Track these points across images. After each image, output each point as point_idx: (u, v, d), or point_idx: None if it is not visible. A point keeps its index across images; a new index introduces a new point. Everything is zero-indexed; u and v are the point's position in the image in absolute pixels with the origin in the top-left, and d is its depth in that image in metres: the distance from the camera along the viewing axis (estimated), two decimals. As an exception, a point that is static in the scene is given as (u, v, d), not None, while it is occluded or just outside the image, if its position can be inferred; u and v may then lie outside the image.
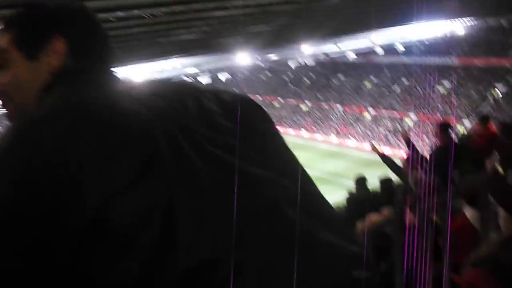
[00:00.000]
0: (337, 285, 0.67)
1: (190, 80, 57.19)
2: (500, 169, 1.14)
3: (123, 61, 25.52)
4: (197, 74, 48.13)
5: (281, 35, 25.62)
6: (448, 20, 33.47)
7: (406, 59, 63.74)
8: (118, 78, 0.96)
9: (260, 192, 0.71)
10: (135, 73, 35.56)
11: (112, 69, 1.03)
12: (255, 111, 0.85)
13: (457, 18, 35.31)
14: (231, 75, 57.17)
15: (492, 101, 52.29)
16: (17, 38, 1.03)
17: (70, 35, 1.01)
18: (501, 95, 52.18)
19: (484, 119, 10.72)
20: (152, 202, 0.68)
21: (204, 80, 48.34)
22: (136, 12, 13.45)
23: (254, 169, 0.73)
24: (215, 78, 53.18)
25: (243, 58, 39.40)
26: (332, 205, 0.83)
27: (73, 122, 0.70)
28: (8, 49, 1.03)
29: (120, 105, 0.75)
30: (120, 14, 13.86)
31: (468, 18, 38.30)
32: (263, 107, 0.88)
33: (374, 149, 11.58)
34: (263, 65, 54.17)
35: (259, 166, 0.74)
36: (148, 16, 14.58)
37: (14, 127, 0.77)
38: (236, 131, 0.75)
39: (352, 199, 10.32)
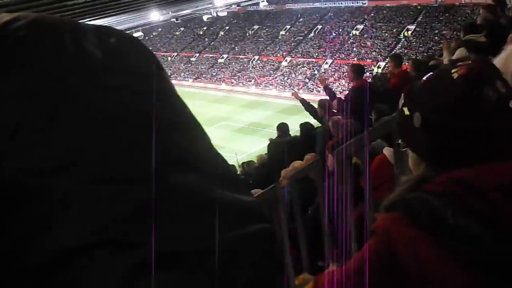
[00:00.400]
0: (234, 240, 0.62)
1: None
2: (406, 110, 1.15)
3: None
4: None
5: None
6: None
7: (318, 5, 64.25)
8: None
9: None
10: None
11: None
12: (143, 58, 0.74)
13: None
14: (144, 34, 55.98)
15: (404, 41, 53.56)
16: None
17: None
18: (412, 35, 53.50)
19: (397, 58, 10.88)
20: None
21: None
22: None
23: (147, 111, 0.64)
24: (128, 38, 51.96)
25: (155, 15, 38.62)
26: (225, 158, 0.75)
27: None
28: None
29: None
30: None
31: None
32: (149, 50, 0.77)
33: (295, 95, 11.67)
34: (176, 21, 53.18)
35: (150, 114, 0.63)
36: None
37: None
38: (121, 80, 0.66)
39: (273, 146, 10.35)
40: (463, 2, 52.48)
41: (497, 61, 2.01)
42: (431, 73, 1.42)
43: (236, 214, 0.64)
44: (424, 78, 1.42)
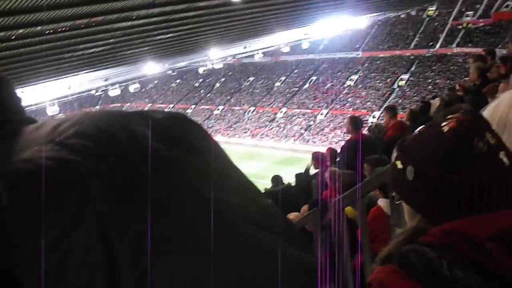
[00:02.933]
0: None
1: (99, 94, 56.05)
2: (399, 164, 1.16)
3: (28, 81, 24.73)
4: (106, 87, 47.15)
5: (188, 42, 25.53)
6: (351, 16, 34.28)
7: (313, 56, 65.03)
8: (30, 120, 0.83)
9: (215, 215, 0.66)
10: (43, 92, 34.50)
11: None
12: (190, 128, 0.78)
13: (359, 15, 36.25)
14: (141, 86, 56.39)
15: (398, 91, 54.09)
16: None
17: None
18: (406, 84, 54.13)
19: (391, 110, 10.97)
20: (89, 254, 0.61)
21: (114, 92, 47.41)
22: (38, 28, 13.03)
23: (203, 191, 0.68)
24: (125, 90, 52.31)
25: (152, 67, 38.94)
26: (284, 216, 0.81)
27: None
28: None
29: (36, 156, 0.66)
30: (20, 31, 13.43)
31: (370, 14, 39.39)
32: (198, 122, 0.81)
33: None
34: (172, 73, 53.65)
35: (206, 187, 0.69)
36: (51, 32, 14.18)
37: None
38: (170, 152, 0.70)
39: (266, 196, 10.34)
40: (455, 51, 53.29)
41: (488, 110, 2.04)
42: (422, 126, 1.45)
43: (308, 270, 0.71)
44: (416, 131, 1.45)
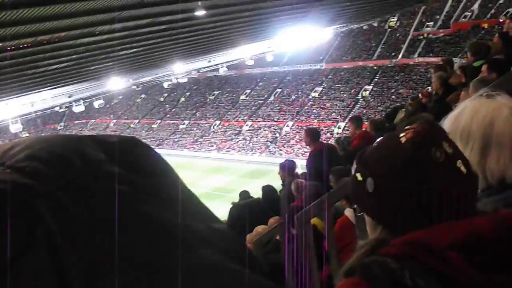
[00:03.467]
0: None
1: (63, 110, 55.48)
2: (359, 176, 1.17)
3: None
4: (70, 103, 46.67)
5: (152, 57, 25.46)
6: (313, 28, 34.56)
7: (277, 69, 65.37)
8: None
9: (169, 236, 0.66)
10: (5, 109, 33.99)
11: None
12: (143, 152, 0.79)
13: (322, 26, 36.57)
14: (106, 102, 55.97)
15: (363, 101, 54.67)
16: None
17: None
18: (370, 94, 54.78)
19: (357, 120, 11.05)
20: (40, 280, 0.60)
21: (79, 109, 46.97)
22: (-1, 45, 12.89)
23: (155, 213, 0.68)
24: (89, 106, 51.86)
25: (116, 83, 38.68)
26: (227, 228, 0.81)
27: None
28: None
29: None
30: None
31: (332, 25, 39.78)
32: (150, 146, 0.82)
33: None
34: (137, 88, 53.37)
35: (158, 209, 0.69)
36: (12, 48, 14.00)
37: None
38: (125, 176, 0.70)
39: (234, 210, 10.31)
40: (416, 61, 54.12)
41: (449, 119, 2.07)
42: (381, 138, 1.47)
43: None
44: (374, 143, 1.47)
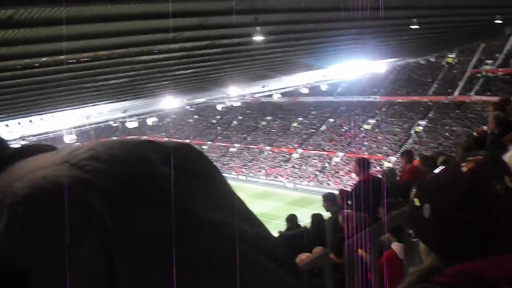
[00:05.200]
0: None
1: (117, 125, 56.44)
2: (417, 201, 1.17)
3: (48, 108, 25.01)
4: (124, 119, 47.48)
5: (208, 78, 25.75)
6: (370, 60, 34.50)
7: (331, 98, 65.27)
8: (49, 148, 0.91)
9: (217, 237, 0.71)
10: (62, 120, 34.83)
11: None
12: (196, 157, 0.85)
13: (378, 59, 36.46)
14: (159, 120, 56.75)
15: (415, 136, 54.02)
16: None
17: None
18: (423, 130, 54.12)
19: (408, 154, 10.97)
20: (88, 267, 0.66)
21: (132, 124, 47.72)
22: (60, 57, 13.21)
23: (207, 214, 0.73)
24: (142, 123, 52.64)
25: (171, 102, 39.20)
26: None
27: None
28: None
29: (51, 173, 0.72)
30: (43, 59, 13.63)
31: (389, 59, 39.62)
32: (203, 152, 0.88)
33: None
34: (190, 108, 54.00)
35: (209, 211, 0.74)
36: (73, 62, 14.37)
37: None
38: (177, 177, 0.75)
39: (284, 240, 10.32)
40: (473, 99, 53.29)
41: (508, 155, 2.05)
42: (443, 166, 1.46)
43: None
44: (436, 170, 1.46)
